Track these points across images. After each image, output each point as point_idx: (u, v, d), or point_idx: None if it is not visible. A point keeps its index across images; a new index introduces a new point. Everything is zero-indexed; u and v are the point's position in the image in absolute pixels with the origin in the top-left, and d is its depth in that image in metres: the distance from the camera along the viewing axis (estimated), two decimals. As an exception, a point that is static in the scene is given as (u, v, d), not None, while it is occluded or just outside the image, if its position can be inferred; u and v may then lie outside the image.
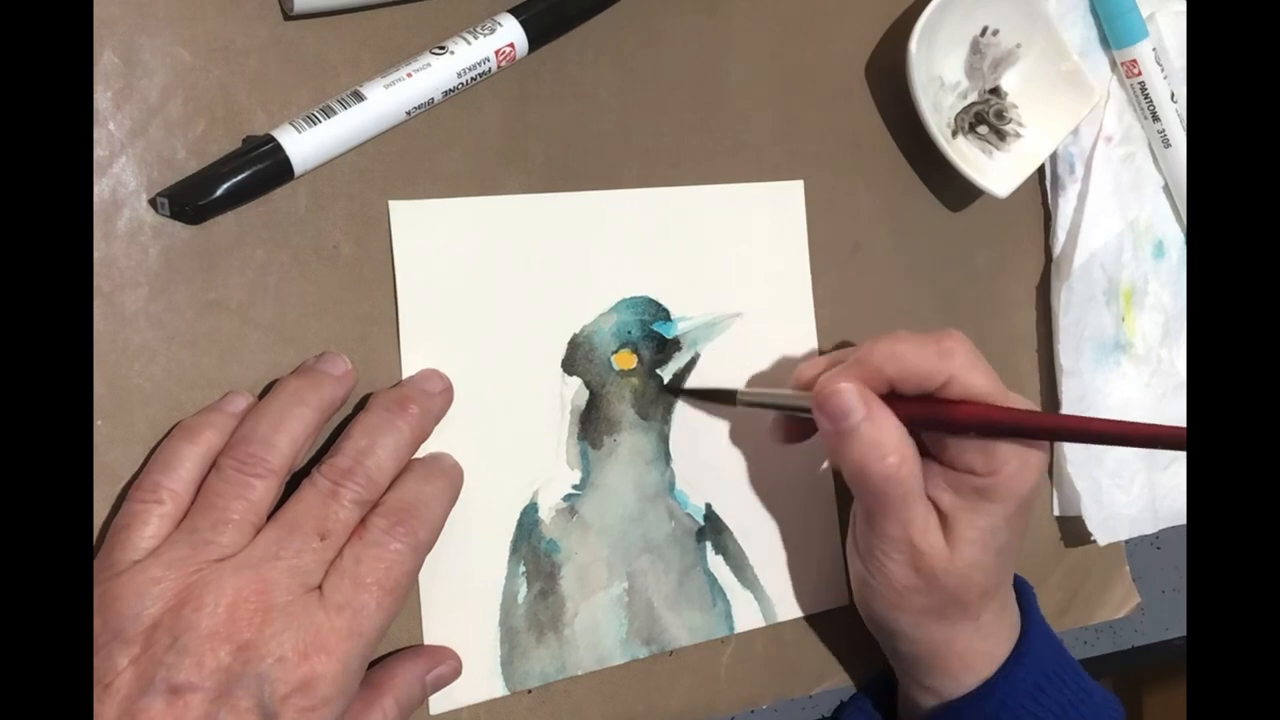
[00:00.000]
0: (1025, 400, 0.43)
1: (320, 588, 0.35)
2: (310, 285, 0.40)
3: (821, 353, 0.49)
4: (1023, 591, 0.48)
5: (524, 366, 0.43)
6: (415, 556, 0.37)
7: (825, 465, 0.49)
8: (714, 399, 0.46)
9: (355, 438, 0.37)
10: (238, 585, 0.34)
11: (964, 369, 0.41)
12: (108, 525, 0.36)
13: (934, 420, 0.42)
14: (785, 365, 0.48)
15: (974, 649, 0.45)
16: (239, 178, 0.37)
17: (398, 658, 0.40)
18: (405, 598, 0.37)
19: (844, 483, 0.49)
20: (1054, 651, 0.47)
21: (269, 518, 0.36)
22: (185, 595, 0.33)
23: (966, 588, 0.43)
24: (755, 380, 0.48)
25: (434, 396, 0.40)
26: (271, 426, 0.36)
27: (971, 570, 0.42)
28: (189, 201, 0.37)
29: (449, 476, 0.40)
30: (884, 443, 0.41)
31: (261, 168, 0.37)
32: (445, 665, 0.40)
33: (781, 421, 0.45)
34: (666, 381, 0.46)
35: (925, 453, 0.43)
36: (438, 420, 0.40)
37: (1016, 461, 0.42)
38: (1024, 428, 0.41)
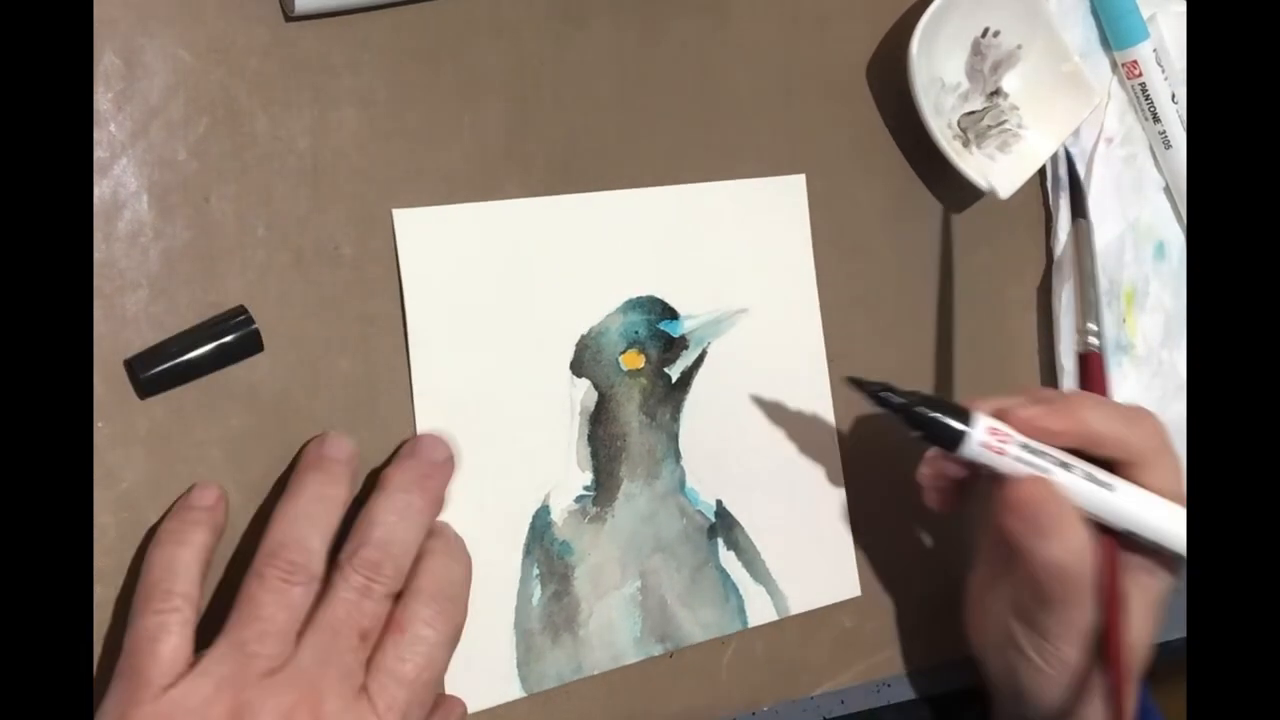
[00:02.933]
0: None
1: (365, 687, 0.35)
2: (310, 286, 0.40)
3: (827, 348, 0.49)
4: None
5: (532, 370, 0.43)
6: (453, 642, 0.37)
7: (835, 457, 0.49)
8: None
9: (377, 526, 0.37)
10: (294, 700, 0.34)
11: (1156, 454, 0.42)
12: (107, 526, 0.36)
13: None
14: (791, 360, 0.48)
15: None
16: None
17: None
18: (442, 680, 0.37)
19: (851, 473, 0.49)
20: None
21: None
22: (240, 712, 0.33)
23: (1142, 654, 0.43)
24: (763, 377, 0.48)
25: (441, 466, 0.40)
26: (305, 530, 0.36)
27: (1148, 637, 0.43)
28: (144, 370, 0.37)
29: (466, 553, 0.40)
30: (1078, 547, 0.40)
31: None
32: (453, 717, 0.40)
33: (945, 488, 0.44)
34: (675, 380, 0.46)
35: None
36: (446, 488, 0.40)
37: None
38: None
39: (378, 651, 0.36)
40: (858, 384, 0.42)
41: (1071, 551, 0.40)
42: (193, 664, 0.34)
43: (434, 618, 0.36)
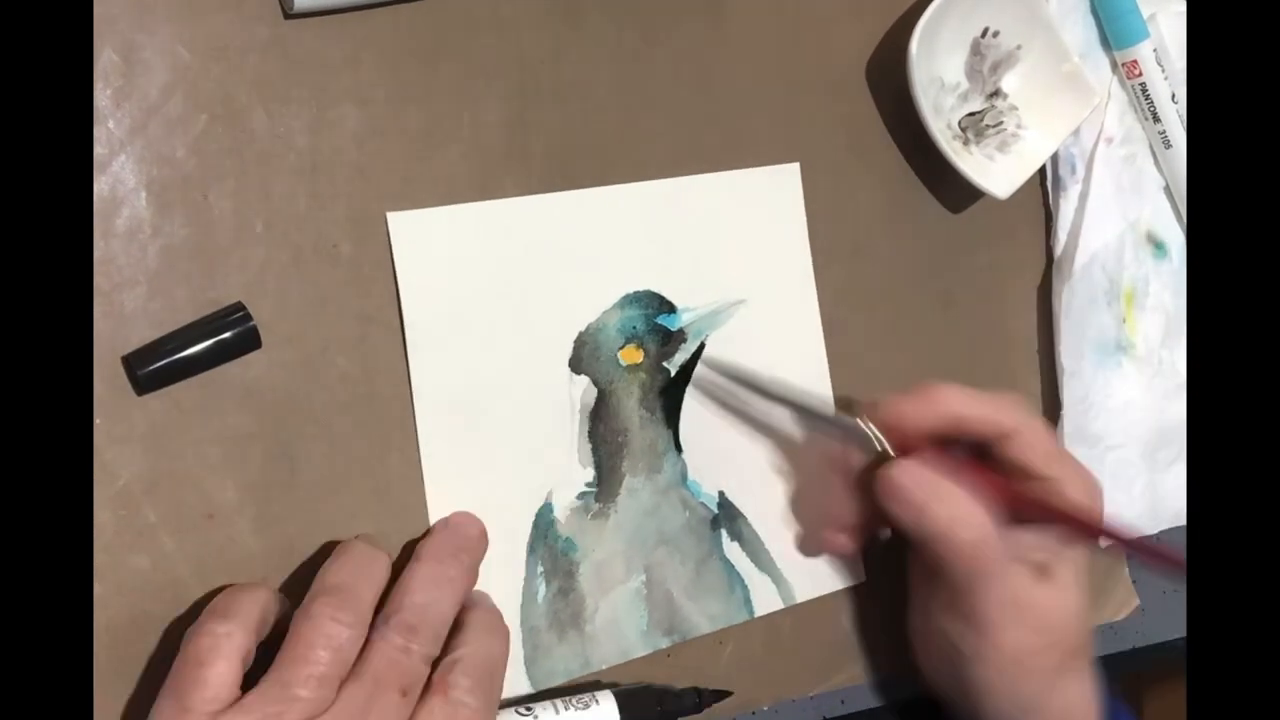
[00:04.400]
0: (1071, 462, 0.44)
1: None
2: (309, 283, 0.40)
3: (827, 349, 0.49)
4: None
5: (531, 368, 0.43)
6: (489, 715, 0.37)
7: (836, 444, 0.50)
8: (807, 411, 0.46)
9: (414, 592, 0.37)
10: None
11: (1025, 422, 0.43)
12: (105, 524, 0.36)
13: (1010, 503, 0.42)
14: (790, 350, 0.48)
15: (1090, 699, 0.44)
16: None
17: None
18: None
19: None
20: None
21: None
22: None
23: (1083, 630, 0.43)
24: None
25: (476, 541, 0.40)
26: (357, 578, 0.36)
27: (1083, 611, 0.43)
28: (141, 367, 0.37)
29: (505, 628, 0.39)
30: (960, 515, 0.41)
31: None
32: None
33: (839, 463, 0.46)
34: (674, 373, 0.46)
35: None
36: (480, 563, 0.40)
37: (1085, 499, 0.43)
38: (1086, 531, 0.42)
39: (421, 710, 0.36)
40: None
41: (957, 518, 0.41)
42: (238, 698, 0.33)
43: (474, 688, 0.36)
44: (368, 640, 0.36)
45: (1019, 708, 0.44)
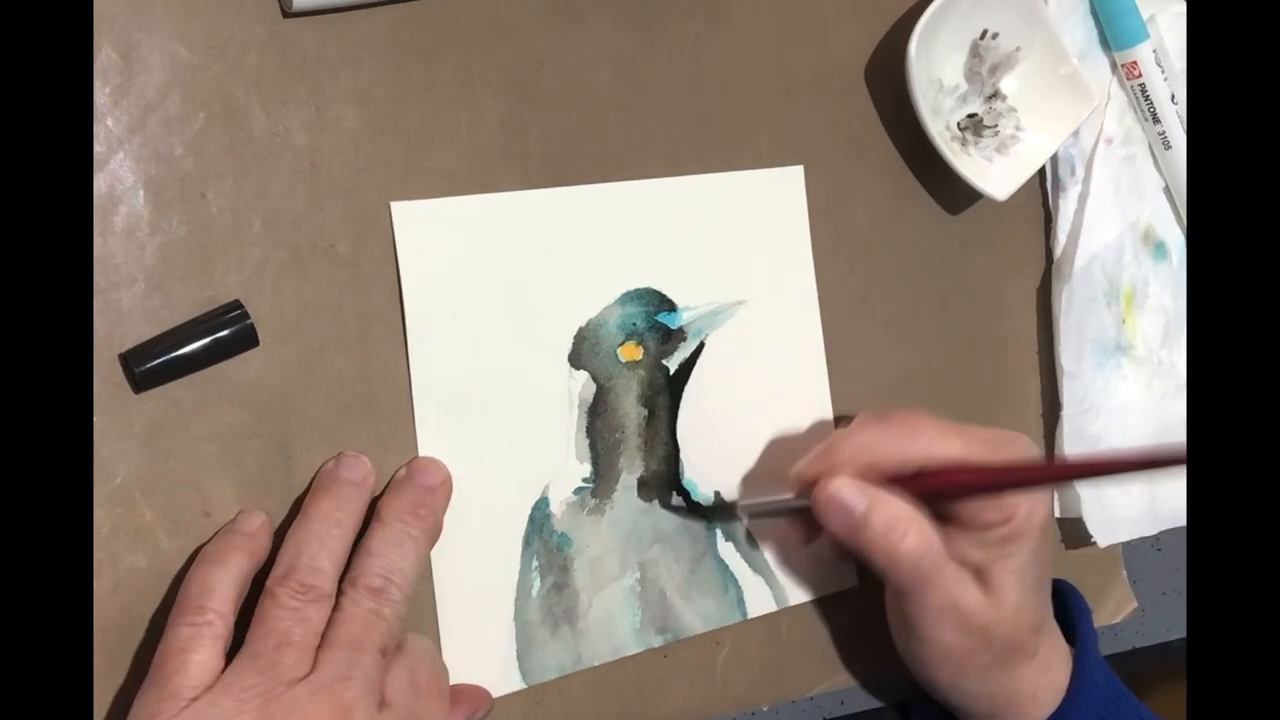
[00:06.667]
0: (1018, 441, 0.44)
1: (387, 700, 0.36)
2: (307, 282, 0.40)
3: (826, 350, 0.49)
4: (1078, 610, 0.49)
5: (531, 362, 0.43)
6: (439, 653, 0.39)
7: None
8: (717, 514, 0.47)
9: (377, 555, 0.38)
10: (318, 709, 0.34)
11: (934, 443, 0.42)
12: (102, 522, 0.36)
13: (930, 491, 0.42)
14: (790, 350, 0.48)
15: (1040, 684, 0.46)
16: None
17: None
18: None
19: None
20: (1107, 678, 0.48)
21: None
22: None
23: (1019, 630, 0.44)
24: (758, 373, 0.48)
25: (437, 491, 0.40)
26: (315, 552, 0.37)
27: (1019, 613, 0.44)
28: (139, 364, 0.37)
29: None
30: (899, 523, 0.41)
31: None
32: (481, 710, 0.41)
33: (796, 525, 0.46)
34: (673, 371, 0.46)
35: (940, 520, 0.43)
36: (444, 512, 0.40)
37: (1025, 500, 0.43)
38: (1010, 482, 0.42)
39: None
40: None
41: (895, 529, 0.41)
42: (218, 679, 0.34)
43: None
44: (338, 604, 0.36)
45: (965, 700, 0.46)
